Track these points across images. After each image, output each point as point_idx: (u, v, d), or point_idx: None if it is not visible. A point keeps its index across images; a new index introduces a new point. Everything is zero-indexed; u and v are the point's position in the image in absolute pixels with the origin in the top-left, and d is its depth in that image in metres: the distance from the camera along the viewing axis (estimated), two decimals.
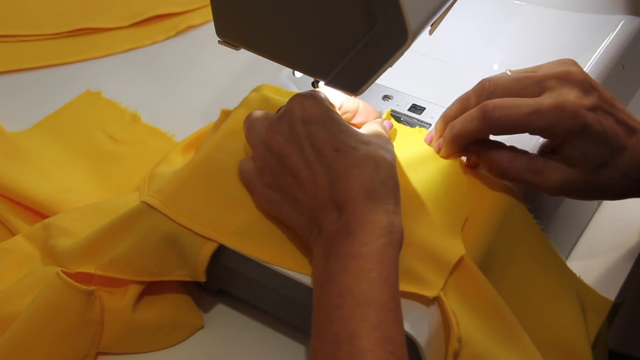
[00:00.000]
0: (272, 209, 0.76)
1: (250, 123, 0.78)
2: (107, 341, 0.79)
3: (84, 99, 1.06)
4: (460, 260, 0.73)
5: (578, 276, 0.81)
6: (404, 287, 0.70)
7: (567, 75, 0.75)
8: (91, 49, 1.12)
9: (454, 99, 0.79)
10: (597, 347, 0.82)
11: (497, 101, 0.75)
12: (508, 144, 0.79)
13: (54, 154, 0.99)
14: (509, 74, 0.78)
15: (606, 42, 0.91)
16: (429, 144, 0.81)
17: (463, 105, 0.78)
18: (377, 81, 0.76)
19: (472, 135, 0.77)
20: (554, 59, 0.78)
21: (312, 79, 0.87)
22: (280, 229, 0.76)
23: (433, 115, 0.86)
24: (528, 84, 0.75)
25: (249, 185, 0.78)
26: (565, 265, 0.81)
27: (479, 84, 0.78)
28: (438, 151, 0.80)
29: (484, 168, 0.79)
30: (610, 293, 0.84)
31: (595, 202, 0.91)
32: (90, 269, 0.79)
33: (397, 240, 0.68)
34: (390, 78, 0.84)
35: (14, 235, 0.89)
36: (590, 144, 0.74)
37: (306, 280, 0.74)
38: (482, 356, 0.71)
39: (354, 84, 0.75)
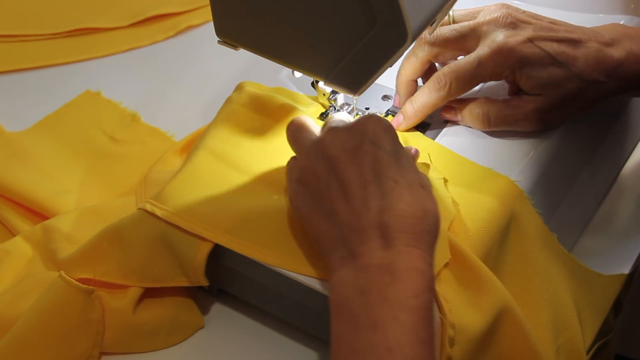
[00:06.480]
0: (304, 211, 0.72)
1: (300, 123, 0.77)
2: (109, 341, 0.80)
3: (84, 99, 1.06)
4: (447, 264, 0.74)
5: (584, 265, 0.83)
6: None
7: (497, 20, 0.82)
8: (91, 49, 1.12)
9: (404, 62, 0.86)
10: (606, 350, 0.83)
11: (444, 69, 0.83)
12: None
13: (53, 154, 0.99)
14: (451, 15, 0.85)
15: None
16: (399, 106, 0.86)
17: (412, 62, 0.85)
18: (377, 81, 0.76)
19: (433, 107, 0.84)
20: None
21: (311, 79, 0.87)
22: (276, 229, 0.76)
23: (432, 115, 0.86)
24: (464, 32, 0.83)
25: (287, 179, 0.76)
26: (570, 257, 0.82)
27: (420, 37, 0.84)
28: (397, 126, 0.85)
29: (468, 123, 0.85)
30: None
31: (598, 195, 0.91)
32: (90, 276, 0.79)
33: (433, 297, 0.67)
34: (390, 78, 0.85)
35: (14, 235, 0.89)
36: (540, 69, 0.81)
37: (305, 280, 0.74)
38: (478, 340, 0.72)
39: (354, 84, 0.75)
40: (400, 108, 0.86)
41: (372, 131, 0.71)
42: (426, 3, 0.72)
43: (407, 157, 0.72)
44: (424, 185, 0.70)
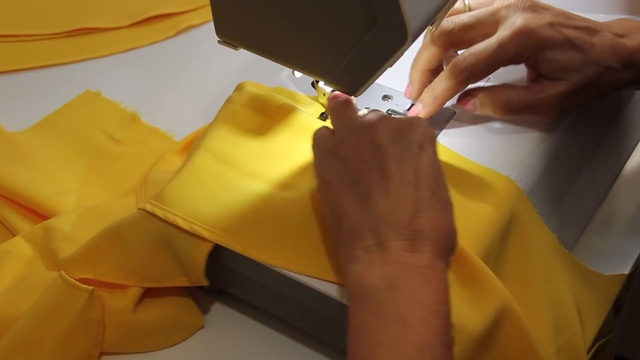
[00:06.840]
0: (333, 184, 0.71)
1: (346, 99, 0.76)
2: (109, 341, 0.80)
3: (84, 99, 1.06)
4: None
5: (584, 265, 0.83)
6: None
7: (516, 4, 0.82)
8: (91, 49, 1.12)
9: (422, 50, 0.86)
10: (606, 350, 0.83)
11: (464, 53, 0.82)
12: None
13: (53, 154, 0.99)
14: (467, 3, 0.85)
15: None
16: (409, 97, 0.87)
17: (429, 51, 0.85)
18: (377, 81, 0.76)
19: (452, 93, 0.83)
20: None
21: (312, 79, 0.87)
22: (276, 229, 0.76)
23: (432, 115, 0.86)
24: (482, 17, 0.83)
25: (316, 146, 0.74)
26: (570, 257, 0.82)
27: (439, 27, 0.83)
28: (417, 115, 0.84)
29: (488, 110, 0.83)
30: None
31: (598, 195, 0.91)
32: (90, 276, 0.79)
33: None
34: (390, 78, 0.84)
35: (14, 235, 0.89)
36: (560, 53, 0.81)
37: (305, 280, 0.74)
38: (478, 340, 0.72)
39: (354, 84, 0.75)
40: (410, 100, 0.86)
41: (421, 135, 0.71)
42: (426, 3, 0.72)
43: (442, 172, 0.72)
44: (451, 203, 0.71)
